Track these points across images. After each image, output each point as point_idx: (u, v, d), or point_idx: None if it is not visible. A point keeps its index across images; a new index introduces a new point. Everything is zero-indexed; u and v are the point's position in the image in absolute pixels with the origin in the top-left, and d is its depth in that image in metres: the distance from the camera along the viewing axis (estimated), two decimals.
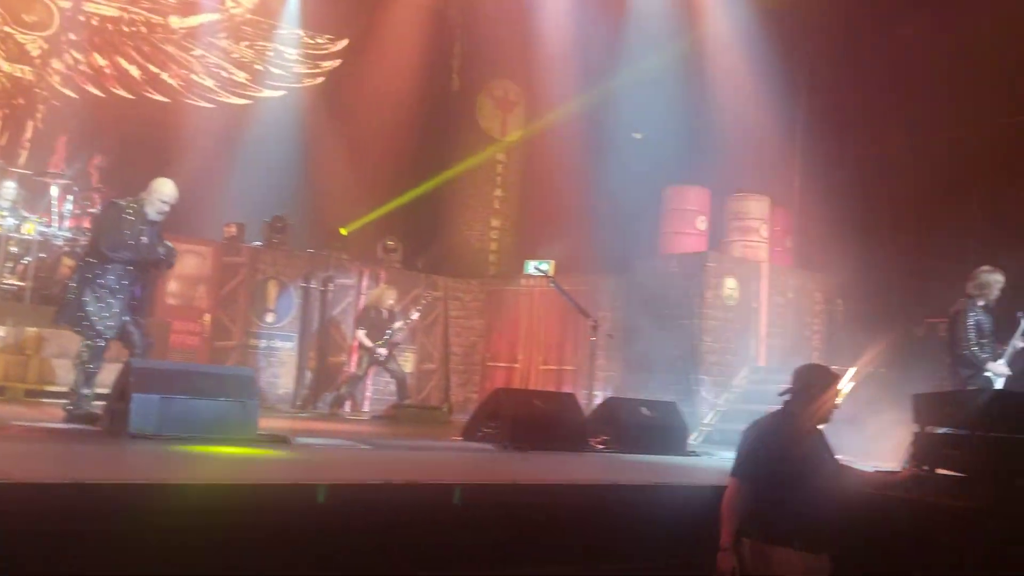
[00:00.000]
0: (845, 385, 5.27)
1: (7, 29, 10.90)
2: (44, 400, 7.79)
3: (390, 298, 10.40)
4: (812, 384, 3.97)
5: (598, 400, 8.94)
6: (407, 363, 11.43)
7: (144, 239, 6.36)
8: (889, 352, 8.53)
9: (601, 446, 7.15)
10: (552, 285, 9.62)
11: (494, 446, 6.78)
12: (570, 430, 7.08)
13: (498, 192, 13.94)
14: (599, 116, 12.03)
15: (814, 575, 3.77)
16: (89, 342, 6.28)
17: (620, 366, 10.64)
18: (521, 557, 4.13)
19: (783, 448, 3.87)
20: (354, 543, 3.71)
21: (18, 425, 5.83)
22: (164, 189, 6.41)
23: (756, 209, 11.06)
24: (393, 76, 12.60)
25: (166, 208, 6.43)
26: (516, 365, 12.23)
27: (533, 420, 6.99)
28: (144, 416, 5.33)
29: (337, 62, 13.32)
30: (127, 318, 6.38)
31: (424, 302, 10.94)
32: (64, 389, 6.87)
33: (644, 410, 7.63)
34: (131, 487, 3.47)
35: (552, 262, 11.30)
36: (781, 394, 4.03)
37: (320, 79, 13.19)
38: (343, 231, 12.01)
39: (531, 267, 12.05)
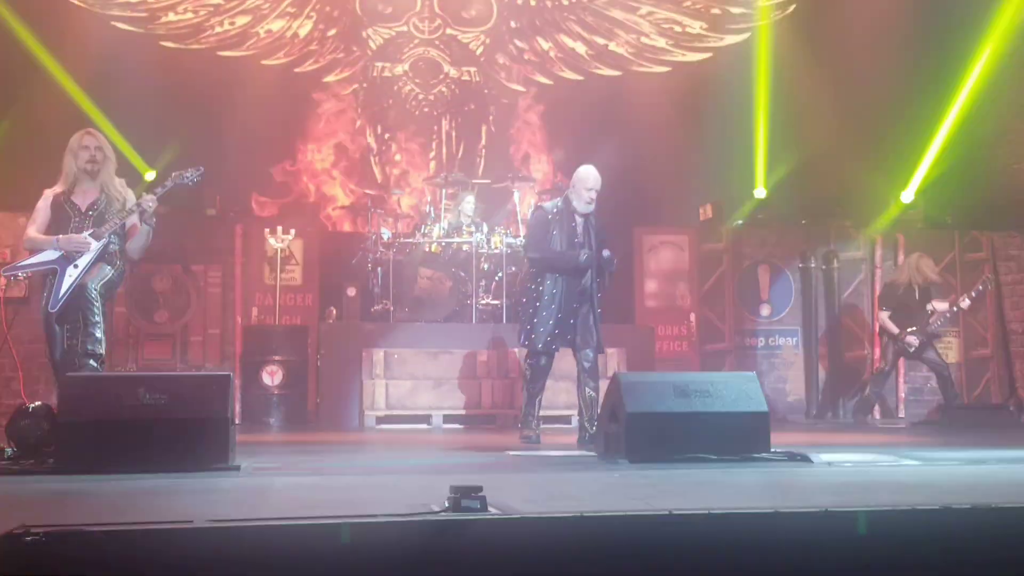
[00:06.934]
0: None
1: (450, 32, 12.52)
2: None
3: (926, 269, 9.83)
4: None
5: None
6: (950, 350, 10.71)
7: (578, 239, 6.97)
8: None
9: None
10: None
11: None
12: None
13: None
14: None
15: None
16: (531, 360, 7.05)
17: None
18: None
19: None
20: None
21: (514, 455, 6.59)
22: (587, 176, 6.98)
23: None
24: None
25: (593, 195, 6.97)
26: None
27: None
28: (640, 437, 5.66)
29: None
30: (568, 334, 6.99)
31: (983, 285, 10.08)
32: (558, 413, 7.68)
33: None
34: (632, 519, 3.69)
35: None
36: None
37: (791, 7, 12.98)
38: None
39: None
